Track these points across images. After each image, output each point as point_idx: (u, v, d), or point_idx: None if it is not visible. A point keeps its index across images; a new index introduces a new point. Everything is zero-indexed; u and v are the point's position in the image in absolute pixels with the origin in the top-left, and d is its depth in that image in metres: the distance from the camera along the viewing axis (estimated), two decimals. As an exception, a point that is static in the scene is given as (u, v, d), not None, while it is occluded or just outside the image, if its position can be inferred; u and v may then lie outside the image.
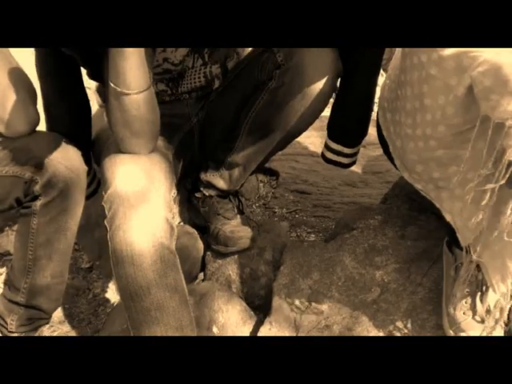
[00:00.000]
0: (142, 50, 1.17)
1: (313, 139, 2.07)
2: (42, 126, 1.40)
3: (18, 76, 1.28)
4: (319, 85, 1.36)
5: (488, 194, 0.98)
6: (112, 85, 1.18)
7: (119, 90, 1.17)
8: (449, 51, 1.04)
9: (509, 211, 0.96)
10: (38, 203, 1.27)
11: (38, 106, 1.36)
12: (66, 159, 1.26)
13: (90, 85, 1.49)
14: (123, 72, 1.16)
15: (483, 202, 0.99)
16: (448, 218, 1.17)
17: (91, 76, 1.33)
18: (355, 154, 1.49)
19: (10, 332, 1.41)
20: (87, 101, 1.45)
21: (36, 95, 1.34)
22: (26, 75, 1.32)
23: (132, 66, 1.15)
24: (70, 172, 1.26)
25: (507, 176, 0.94)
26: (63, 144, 1.28)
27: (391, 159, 1.35)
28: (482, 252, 1.06)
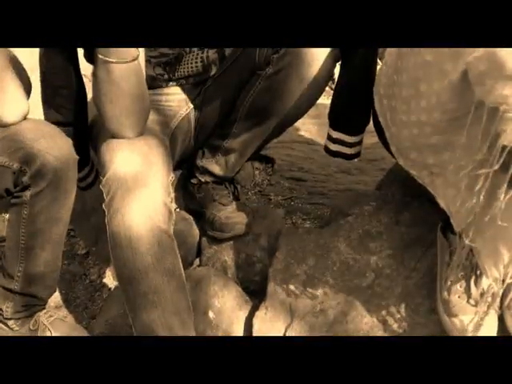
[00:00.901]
0: None
1: (309, 126, 2.07)
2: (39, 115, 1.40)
3: (12, 65, 1.27)
4: (316, 69, 1.36)
5: (482, 180, 0.99)
6: (100, 56, 1.18)
7: (108, 59, 1.18)
8: (444, 37, 1.04)
9: (502, 196, 0.97)
10: (28, 193, 1.26)
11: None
12: (55, 149, 1.24)
13: (86, 72, 1.48)
14: None
15: (477, 188, 1.00)
16: (442, 203, 1.18)
17: (88, 57, 1.33)
18: (358, 143, 1.46)
19: (6, 319, 1.41)
20: (84, 87, 1.45)
21: (30, 86, 1.33)
22: (20, 64, 1.31)
23: None
24: (60, 162, 1.24)
25: (501, 161, 0.95)
26: (52, 133, 1.27)
27: (387, 146, 1.35)
28: (474, 237, 1.07)
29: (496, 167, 0.96)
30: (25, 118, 1.29)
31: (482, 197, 1.00)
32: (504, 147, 0.94)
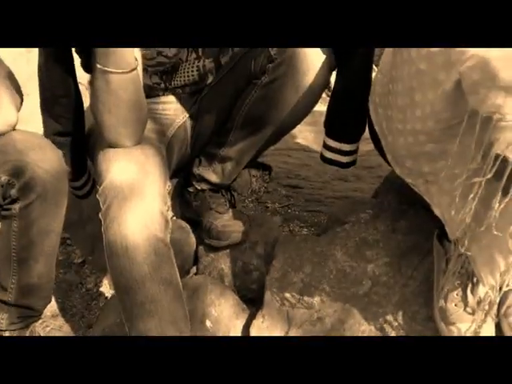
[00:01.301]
0: None
1: (305, 134, 2.08)
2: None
3: (7, 79, 1.27)
4: (311, 78, 1.36)
5: (476, 188, 0.99)
6: (99, 66, 1.19)
7: (107, 69, 1.18)
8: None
9: (496, 205, 0.97)
10: (17, 206, 1.25)
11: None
12: (45, 161, 1.23)
13: (83, 80, 1.49)
14: (112, 50, 1.17)
15: (471, 196, 1.00)
16: (437, 211, 1.18)
17: (85, 67, 1.32)
18: (354, 151, 1.46)
19: (1, 330, 1.40)
20: (81, 96, 1.45)
21: (20, 97, 1.33)
22: (15, 79, 1.31)
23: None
24: (49, 175, 1.23)
25: (494, 169, 0.95)
26: (42, 145, 1.26)
27: (383, 154, 1.35)
28: (469, 245, 1.07)
29: (489, 176, 0.96)
30: (11, 129, 1.27)
31: (474, 206, 1.00)
32: (497, 156, 0.94)
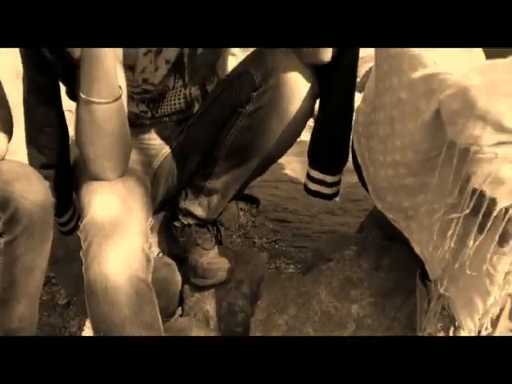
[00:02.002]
0: (114, 58, 1.16)
1: (293, 165, 2.06)
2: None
3: None
4: (296, 106, 1.33)
5: (453, 225, 0.94)
6: (83, 96, 1.16)
7: (90, 99, 1.16)
8: (419, 74, 1.01)
9: (471, 242, 0.91)
10: (2, 241, 1.20)
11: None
12: (31, 193, 1.19)
13: (73, 108, 1.46)
14: (96, 80, 1.15)
15: (449, 233, 0.94)
16: (417, 249, 1.13)
17: (70, 94, 1.31)
18: (337, 183, 1.44)
19: None
20: (66, 127, 1.42)
21: (10, 127, 1.30)
22: (6, 103, 1.29)
23: (103, 75, 1.14)
24: (35, 206, 1.19)
25: (471, 205, 0.89)
26: (28, 175, 1.22)
27: (365, 186, 1.31)
28: (448, 286, 1.01)
29: (467, 211, 0.90)
30: (3, 159, 1.25)
31: (453, 243, 0.94)
32: (474, 190, 0.89)
